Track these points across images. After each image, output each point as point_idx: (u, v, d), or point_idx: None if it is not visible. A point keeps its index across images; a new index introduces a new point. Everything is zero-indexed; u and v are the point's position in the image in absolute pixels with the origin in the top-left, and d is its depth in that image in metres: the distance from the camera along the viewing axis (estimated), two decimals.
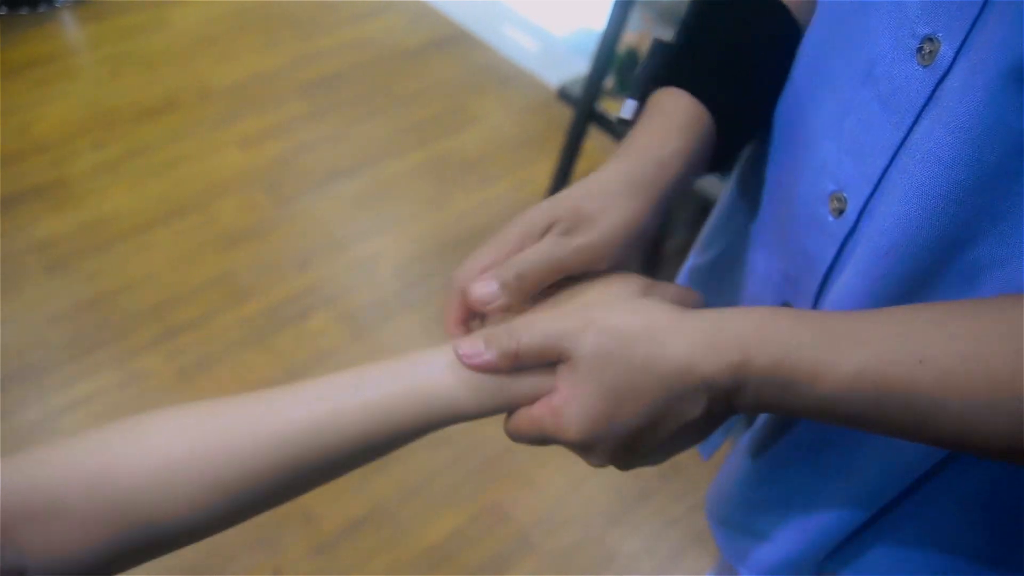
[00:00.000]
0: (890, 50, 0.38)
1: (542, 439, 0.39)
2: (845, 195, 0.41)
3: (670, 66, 0.49)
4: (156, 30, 2.32)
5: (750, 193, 0.54)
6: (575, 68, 1.84)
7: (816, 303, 0.45)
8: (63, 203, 1.84)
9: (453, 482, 1.42)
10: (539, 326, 0.38)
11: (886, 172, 0.39)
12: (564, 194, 0.45)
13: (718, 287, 0.60)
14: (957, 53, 0.35)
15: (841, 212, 0.42)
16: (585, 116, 1.49)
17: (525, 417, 0.39)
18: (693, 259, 0.63)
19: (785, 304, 0.49)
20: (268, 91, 2.16)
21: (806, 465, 0.51)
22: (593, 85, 1.44)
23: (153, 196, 1.87)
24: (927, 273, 0.37)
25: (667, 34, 0.52)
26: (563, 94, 1.56)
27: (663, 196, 0.44)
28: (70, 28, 2.34)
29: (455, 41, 2.41)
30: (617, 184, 0.44)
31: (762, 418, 0.54)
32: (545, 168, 1.94)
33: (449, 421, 0.39)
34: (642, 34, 1.44)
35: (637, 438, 0.37)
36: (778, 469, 0.53)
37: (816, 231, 0.44)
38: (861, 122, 0.40)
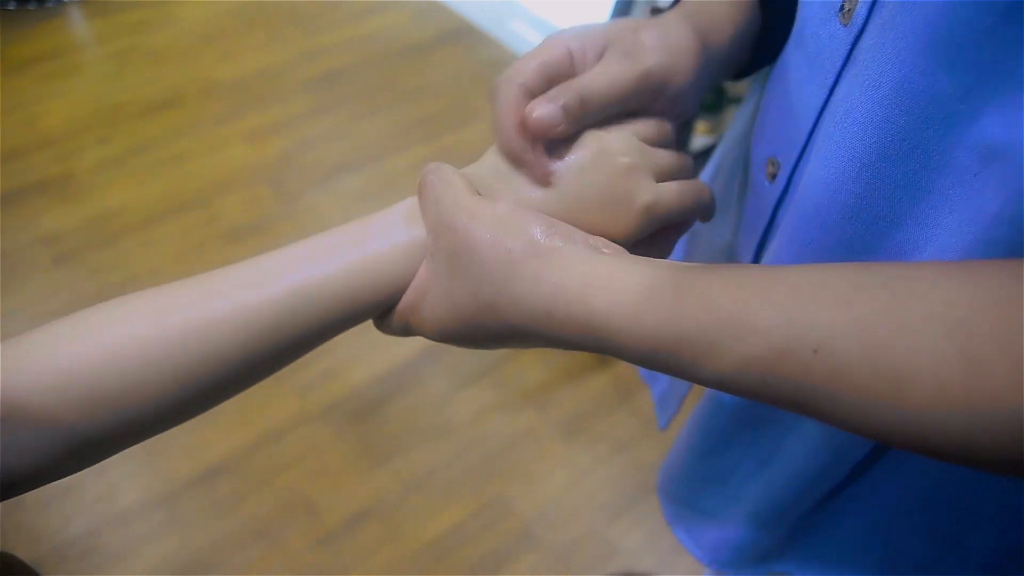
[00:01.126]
0: (819, 11, 0.38)
1: (406, 332, 0.38)
2: (779, 159, 0.41)
3: None
4: (162, 26, 2.33)
5: (721, 161, 0.55)
6: None
7: None
8: (69, 197, 1.85)
9: (455, 476, 1.43)
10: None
11: (811, 135, 0.38)
12: (618, 20, 0.41)
13: (691, 251, 0.60)
14: (871, 10, 0.34)
15: (775, 177, 0.41)
16: None
17: (394, 311, 0.38)
18: None
19: None
20: (273, 87, 2.17)
21: (742, 443, 0.50)
22: None
23: (158, 191, 1.88)
24: (852, 248, 0.36)
25: None
26: None
27: (718, 44, 0.41)
28: (77, 23, 2.35)
29: (460, 36, 2.41)
30: (675, 19, 0.41)
31: (706, 391, 0.53)
32: None
33: (384, 300, 0.37)
34: None
35: (492, 345, 0.37)
36: (718, 445, 0.52)
37: (755, 196, 0.44)
38: (794, 85, 0.40)
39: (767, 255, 0.42)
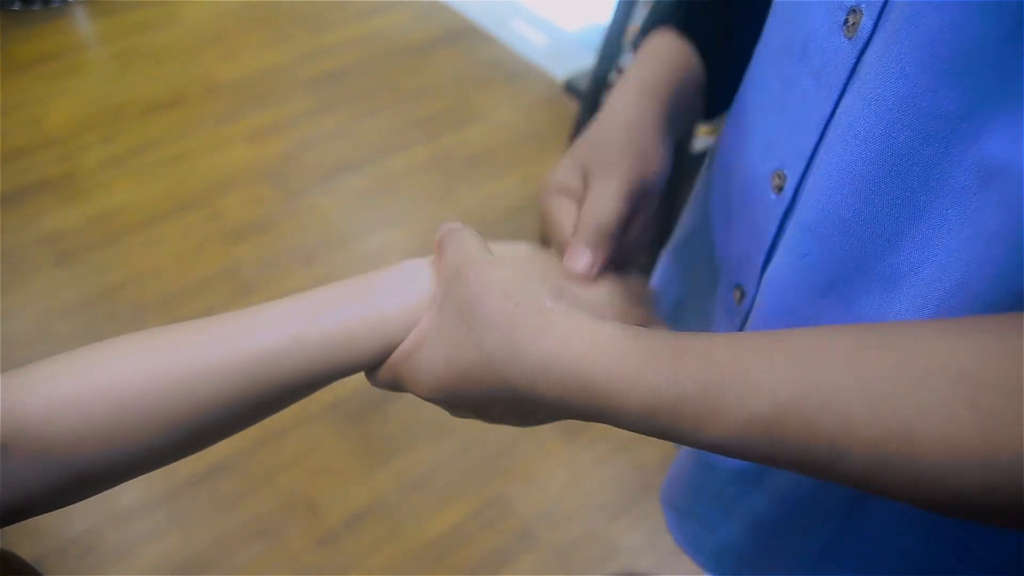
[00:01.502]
0: (822, 24, 0.38)
1: (397, 386, 0.39)
2: (785, 172, 0.41)
3: (660, 14, 0.52)
4: (165, 26, 2.34)
5: (715, 173, 0.55)
6: (583, 63, 1.84)
7: (760, 282, 0.45)
8: (71, 196, 1.85)
9: (455, 476, 1.43)
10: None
11: (817, 148, 0.38)
12: (579, 144, 0.47)
13: (686, 268, 0.60)
14: (876, 24, 0.34)
15: (781, 189, 0.42)
16: (591, 109, 1.49)
17: (386, 365, 0.38)
18: (673, 238, 0.65)
19: (737, 287, 0.48)
20: (275, 86, 2.17)
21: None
22: (599, 78, 1.44)
23: (160, 190, 1.88)
24: (848, 265, 0.36)
25: None
26: (570, 87, 1.55)
27: (672, 102, 0.47)
28: (81, 23, 2.35)
29: (462, 36, 2.41)
30: (624, 112, 0.46)
31: None
32: (552, 163, 1.93)
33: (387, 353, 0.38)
34: None
35: (481, 412, 0.38)
36: (713, 458, 0.52)
37: (761, 208, 0.44)
38: (797, 98, 0.40)
39: (771, 266, 0.43)
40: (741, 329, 0.48)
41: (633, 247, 0.46)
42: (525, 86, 2.25)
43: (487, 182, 1.96)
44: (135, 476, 0.36)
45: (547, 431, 1.49)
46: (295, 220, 1.84)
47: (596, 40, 2.15)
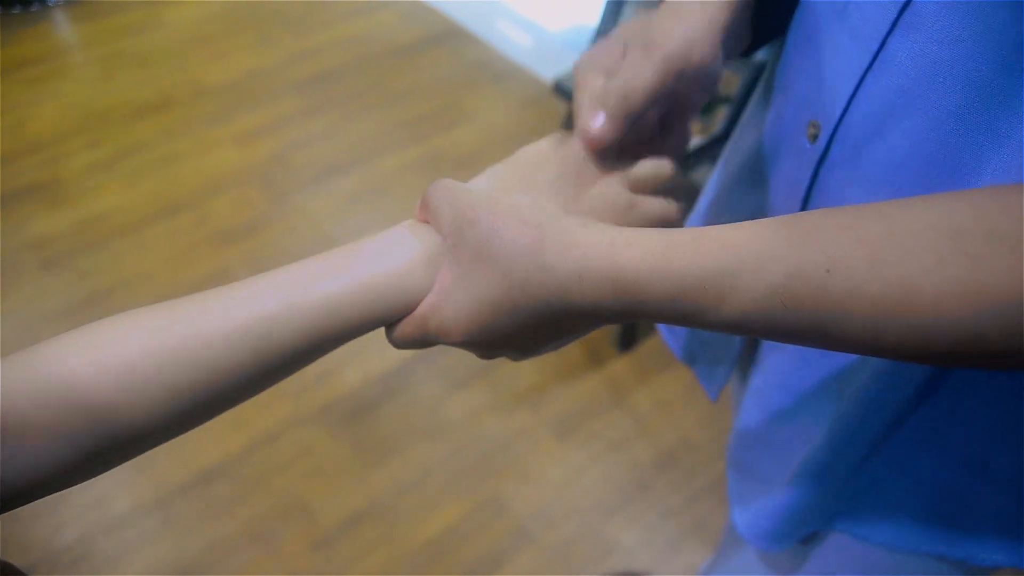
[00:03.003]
0: None
1: (424, 340, 0.39)
2: (819, 121, 0.43)
3: None
4: (150, 29, 2.32)
5: (746, 137, 0.57)
6: (569, 63, 1.84)
7: None
8: (58, 202, 1.83)
9: (450, 476, 1.43)
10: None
11: (852, 98, 0.40)
12: (625, 24, 0.46)
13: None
14: None
15: (816, 138, 0.43)
16: None
17: (409, 319, 0.39)
18: (695, 207, 0.66)
19: None
20: (262, 89, 2.16)
21: (792, 400, 0.52)
22: None
23: (147, 194, 1.87)
24: None
25: None
26: (559, 88, 1.55)
27: (726, 16, 0.45)
28: (63, 27, 2.33)
29: (448, 37, 2.41)
30: (681, 4, 0.44)
31: (762, 354, 0.56)
32: None
33: (400, 313, 0.38)
34: None
35: (518, 341, 0.38)
36: (773, 409, 0.54)
37: (795, 158, 0.46)
38: (829, 54, 0.42)
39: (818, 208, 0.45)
40: None
41: (666, 156, 0.46)
42: (512, 87, 2.25)
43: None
44: (145, 449, 0.36)
45: (541, 431, 1.49)
46: (284, 223, 1.83)
47: (581, 41, 2.16)
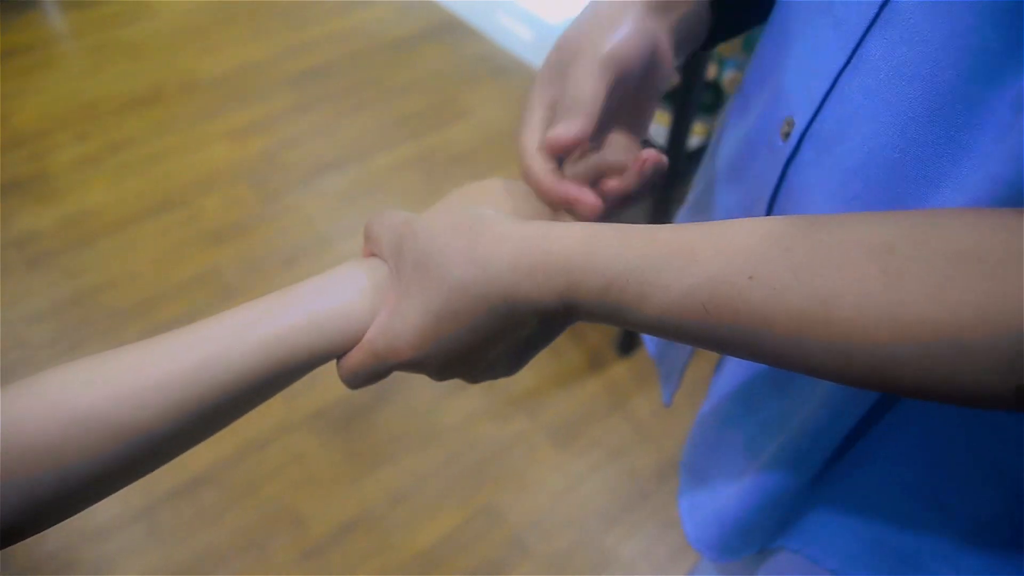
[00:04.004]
0: None
1: (376, 368, 0.38)
2: (794, 118, 0.42)
3: None
4: (141, 19, 2.27)
5: (730, 132, 0.55)
6: None
7: None
8: (44, 197, 1.79)
9: (444, 484, 1.39)
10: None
11: (827, 97, 0.39)
12: (543, 65, 0.46)
13: (700, 220, 0.60)
14: None
15: (787, 135, 0.42)
16: None
17: (357, 348, 0.38)
18: (687, 198, 0.65)
19: None
20: (255, 83, 2.12)
21: (743, 408, 0.52)
22: None
23: (136, 191, 1.83)
24: (892, 208, 0.36)
25: None
26: None
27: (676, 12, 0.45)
28: (52, 16, 2.29)
29: (447, 30, 2.36)
30: (597, 8, 0.44)
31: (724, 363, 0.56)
32: None
33: (350, 345, 0.38)
34: None
35: (469, 356, 0.37)
36: (725, 413, 0.54)
37: (768, 156, 0.45)
38: (814, 47, 0.41)
39: (782, 211, 0.43)
40: None
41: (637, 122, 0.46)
42: (511, 82, 2.21)
43: (471, 183, 1.91)
44: (92, 501, 0.36)
45: (538, 438, 1.46)
46: (276, 221, 1.79)
47: None
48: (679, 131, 1.24)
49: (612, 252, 0.32)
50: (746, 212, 0.49)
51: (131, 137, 1.94)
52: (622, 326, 0.34)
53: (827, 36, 0.40)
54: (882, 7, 0.35)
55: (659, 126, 1.33)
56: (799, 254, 0.28)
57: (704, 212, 0.59)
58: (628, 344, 1.58)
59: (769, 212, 0.45)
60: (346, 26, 2.33)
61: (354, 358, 0.38)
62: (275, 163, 1.92)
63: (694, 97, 1.21)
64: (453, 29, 2.37)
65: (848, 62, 0.37)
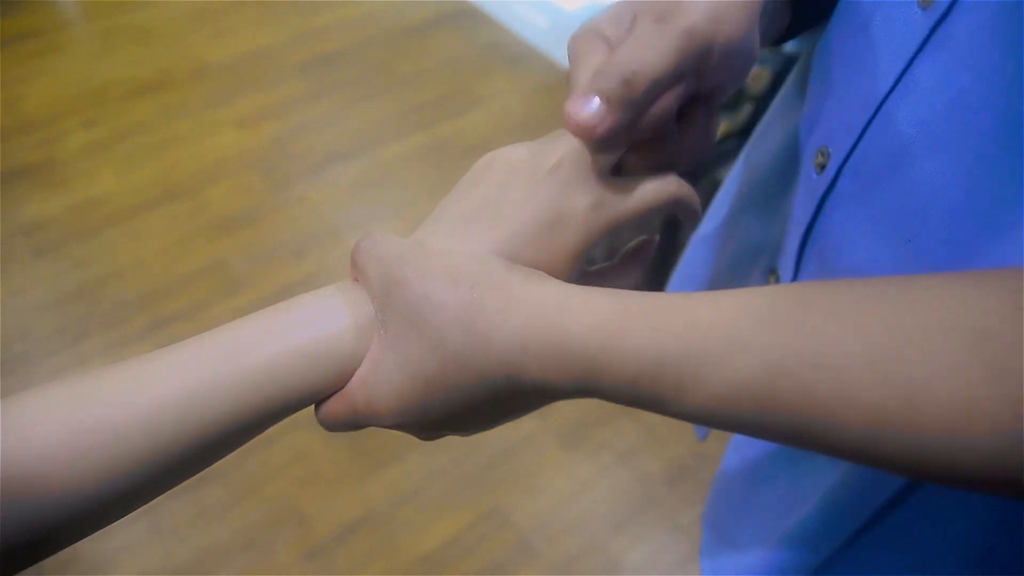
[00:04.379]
0: None
1: (355, 421, 0.33)
2: (829, 149, 0.37)
3: None
4: (150, 3, 2.25)
5: (754, 154, 0.51)
6: None
7: (797, 270, 0.41)
8: (52, 185, 1.77)
9: (451, 486, 1.37)
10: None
11: (867, 127, 0.35)
12: None
13: (719, 256, 0.56)
14: None
15: (823, 168, 0.38)
16: None
17: (339, 395, 0.33)
18: (702, 227, 0.60)
19: (772, 272, 0.45)
20: (266, 69, 2.09)
21: (788, 472, 0.48)
22: None
23: (145, 179, 1.80)
24: (953, 254, 0.31)
25: None
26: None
27: None
28: (62, 0, 2.26)
29: (461, 17, 2.32)
30: None
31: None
32: None
33: (332, 388, 0.33)
34: None
35: (453, 422, 0.33)
36: (752, 474, 0.50)
37: (802, 190, 0.41)
38: (852, 72, 0.37)
39: (820, 249, 0.39)
40: None
41: (683, 155, 0.37)
42: (526, 71, 2.17)
43: (494, 154, 1.88)
44: (72, 539, 0.32)
45: (547, 439, 1.43)
46: (285, 212, 1.76)
47: None
48: (736, 103, 1.20)
49: (643, 336, 0.27)
50: (778, 250, 0.45)
51: (140, 123, 1.92)
52: (653, 412, 0.29)
53: (867, 57, 0.36)
54: (935, 27, 0.31)
55: None
56: (874, 337, 0.24)
57: (727, 245, 0.55)
58: None
59: (803, 250, 0.41)
60: (358, 12, 2.29)
61: (333, 406, 0.33)
62: (285, 152, 1.89)
63: None
64: (467, 16, 2.32)
65: (893, 88, 0.33)
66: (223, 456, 0.34)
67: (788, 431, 0.26)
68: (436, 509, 1.34)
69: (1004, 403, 0.22)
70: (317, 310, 0.33)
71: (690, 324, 0.27)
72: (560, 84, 2.08)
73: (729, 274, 0.55)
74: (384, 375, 0.31)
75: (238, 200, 1.77)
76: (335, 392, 0.33)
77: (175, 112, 1.96)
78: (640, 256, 0.39)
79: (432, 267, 0.31)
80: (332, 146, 1.91)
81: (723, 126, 1.28)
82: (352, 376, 0.33)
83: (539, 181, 0.34)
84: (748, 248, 0.52)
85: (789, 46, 1.40)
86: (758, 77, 1.27)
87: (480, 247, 0.33)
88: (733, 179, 0.56)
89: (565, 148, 0.35)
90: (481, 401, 0.31)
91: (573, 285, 0.31)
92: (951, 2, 0.31)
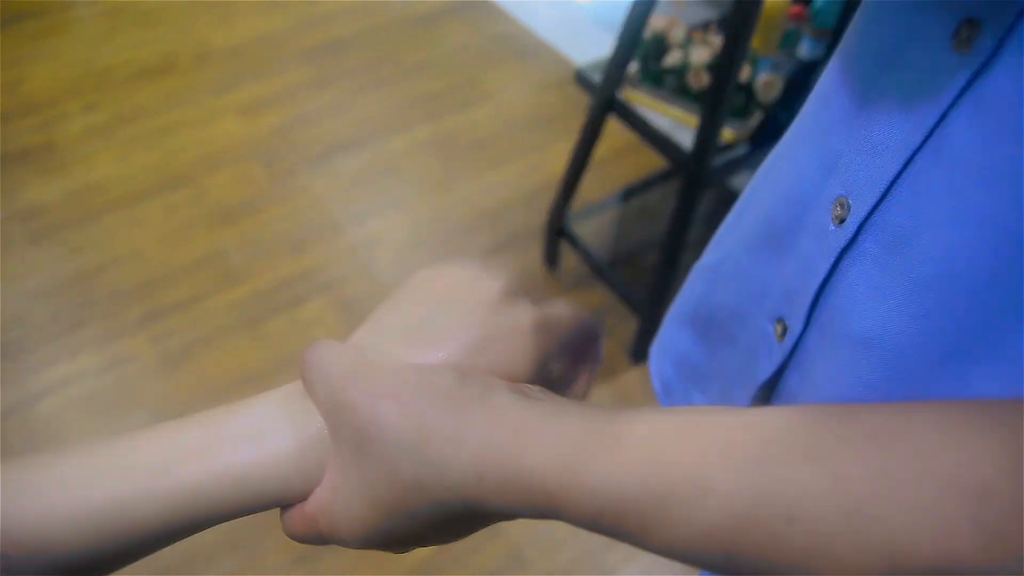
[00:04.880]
0: (922, 30, 0.31)
1: (319, 540, 0.33)
2: (850, 201, 0.34)
3: None
4: None
5: (762, 190, 0.48)
6: (597, 43, 1.72)
7: (807, 324, 0.39)
8: (50, 169, 1.75)
9: None
10: None
11: (899, 177, 0.32)
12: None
13: (720, 291, 0.54)
14: (1003, 40, 0.27)
15: (843, 221, 0.35)
16: (605, 106, 1.37)
17: (298, 512, 0.32)
18: (704, 257, 0.58)
19: (779, 321, 0.42)
20: (270, 55, 2.05)
21: None
22: (615, 72, 1.32)
23: (145, 165, 1.78)
24: (973, 336, 0.29)
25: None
26: (580, 78, 1.44)
27: None
28: None
29: (469, 7, 2.27)
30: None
31: None
32: (560, 152, 1.82)
33: (274, 504, 0.32)
34: (671, 19, 1.31)
35: (423, 540, 0.32)
36: None
37: (816, 239, 0.38)
38: (878, 114, 0.33)
39: (829, 308, 0.37)
40: (783, 369, 0.42)
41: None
42: (535, 65, 2.13)
43: (490, 169, 1.84)
44: None
45: None
46: (286, 202, 1.74)
47: (612, 16, 2.02)
48: (708, 135, 1.16)
49: (603, 474, 0.26)
50: (786, 298, 0.42)
51: (141, 108, 1.89)
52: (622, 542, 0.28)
53: (893, 103, 0.32)
54: (972, 80, 0.28)
55: (686, 128, 1.26)
56: (856, 488, 0.22)
57: (730, 284, 0.52)
58: (640, 352, 1.52)
59: (815, 305, 0.38)
60: None
61: (298, 526, 0.32)
62: (287, 141, 1.86)
63: (725, 99, 1.13)
64: (477, 6, 2.28)
65: (924, 142, 0.30)
66: (177, 541, 0.33)
67: (762, 573, 0.24)
68: None
69: (992, 564, 0.21)
70: (259, 427, 0.32)
71: (653, 460, 0.25)
72: (567, 80, 2.03)
73: (732, 318, 0.52)
74: (343, 503, 0.30)
75: (239, 189, 1.75)
76: (281, 502, 0.32)
77: (177, 97, 1.93)
78: (586, 359, 0.39)
79: (380, 388, 0.30)
80: (336, 136, 1.88)
81: (732, 133, 1.24)
82: (304, 489, 0.32)
83: (483, 299, 0.35)
84: (752, 289, 0.49)
85: (804, 52, 1.36)
86: (770, 84, 1.23)
87: (432, 358, 0.32)
88: (739, 211, 0.53)
89: (504, 277, 0.36)
90: (445, 521, 0.30)
91: (531, 400, 0.29)
92: (992, 49, 0.27)
